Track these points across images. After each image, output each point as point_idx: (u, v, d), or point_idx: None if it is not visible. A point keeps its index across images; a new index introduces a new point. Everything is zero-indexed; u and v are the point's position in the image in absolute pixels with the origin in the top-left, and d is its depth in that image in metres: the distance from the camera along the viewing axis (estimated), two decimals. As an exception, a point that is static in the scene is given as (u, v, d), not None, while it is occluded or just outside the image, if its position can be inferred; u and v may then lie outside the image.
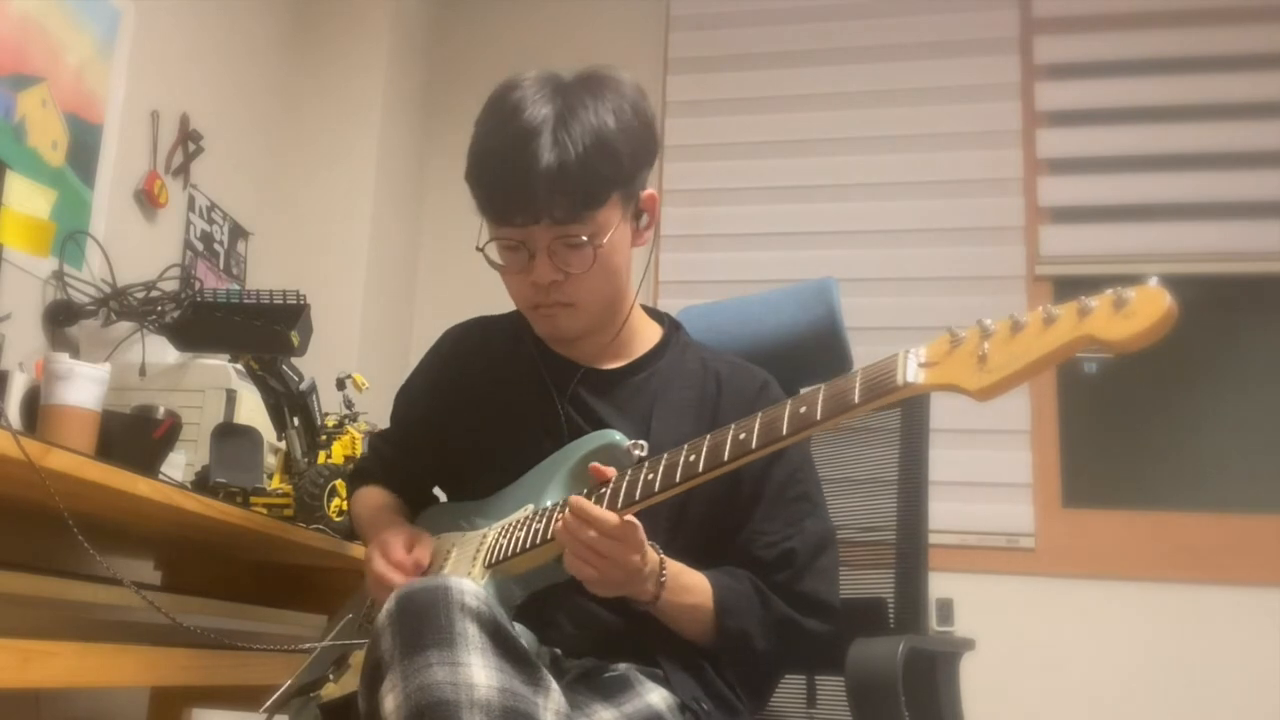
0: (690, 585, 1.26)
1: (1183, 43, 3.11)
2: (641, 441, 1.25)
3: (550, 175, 1.24)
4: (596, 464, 1.22)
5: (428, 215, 3.46)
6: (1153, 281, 0.87)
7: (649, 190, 1.37)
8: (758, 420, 1.09)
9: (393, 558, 1.31)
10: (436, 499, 1.54)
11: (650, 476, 1.15)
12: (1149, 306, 0.86)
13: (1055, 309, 0.91)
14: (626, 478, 1.18)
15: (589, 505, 1.15)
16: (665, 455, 1.16)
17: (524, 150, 1.24)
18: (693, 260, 3.26)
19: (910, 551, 1.50)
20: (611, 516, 1.14)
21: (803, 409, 1.05)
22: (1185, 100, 3.08)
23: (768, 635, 1.28)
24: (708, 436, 1.13)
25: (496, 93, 1.32)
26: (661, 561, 1.23)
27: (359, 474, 1.61)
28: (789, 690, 1.53)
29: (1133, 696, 2.74)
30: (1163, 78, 3.11)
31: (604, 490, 1.19)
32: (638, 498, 1.15)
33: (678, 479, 1.13)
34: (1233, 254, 2.97)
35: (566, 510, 1.18)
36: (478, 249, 1.34)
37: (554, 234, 1.28)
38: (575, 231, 1.27)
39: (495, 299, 1.44)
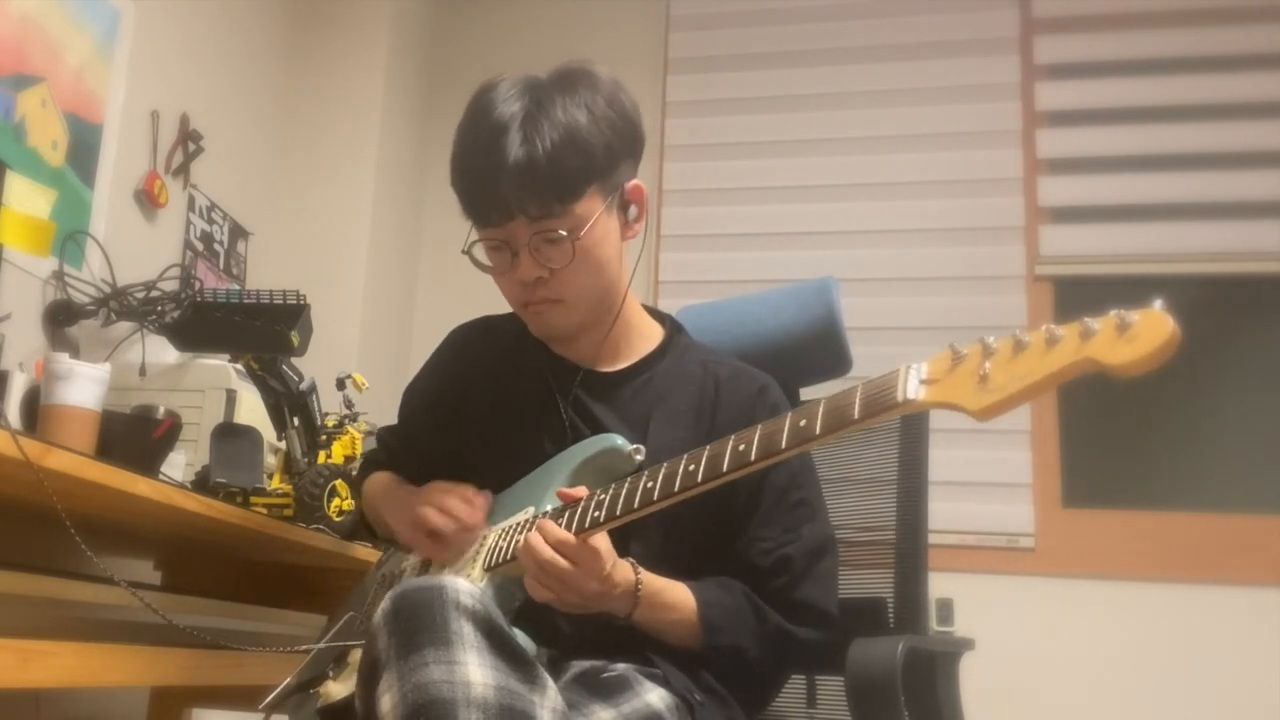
0: (672, 601, 1.26)
1: (1183, 43, 3.11)
2: (640, 446, 1.25)
3: (520, 171, 1.24)
4: (563, 489, 1.24)
5: (428, 215, 3.46)
6: (1157, 305, 0.87)
7: (634, 181, 1.36)
8: (757, 433, 1.09)
9: (452, 512, 1.30)
10: None
11: (650, 484, 1.15)
12: (1152, 331, 0.85)
13: (1059, 330, 0.90)
14: (609, 493, 1.18)
15: (550, 526, 1.17)
16: (664, 465, 1.16)
17: (494, 148, 1.25)
18: (693, 260, 3.26)
19: (910, 551, 1.50)
20: (570, 539, 1.16)
21: (802, 423, 1.05)
22: (1185, 100, 3.08)
23: (762, 647, 1.28)
24: (707, 448, 1.13)
25: (473, 95, 1.33)
26: (637, 580, 1.23)
27: (369, 463, 1.61)
28: (789, 690, 1.52)
29: (1132, 696, 2.74)
30: (1163, 78, 3.11)
31: (573, 509, 1.20)
32: (618, 513, 1.16)
33: (676, 488, 1.13)
34: (1233, 254, 2.97)
35: (527, 531, 1.20)
36: (463, 252, 1.34)
37: (533, 230, 1.28)
38: (552, 226, 1.27)
39: (496, 298, 1.44)
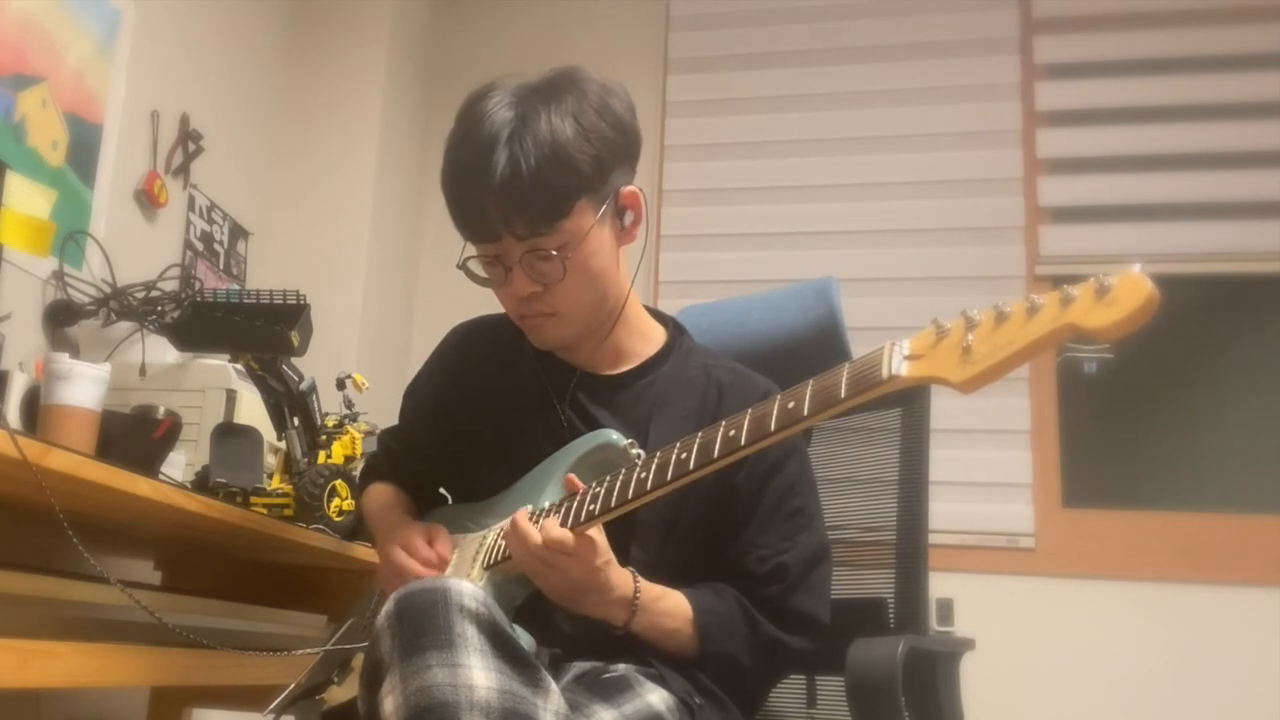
0: (668, 610, 1.26)
1: (1183, 43, 3.11)
2: (634, 441, 1.25)
3: (505, 191, 1.23)
4: (571, 475, 1.24)
5: (428, 215, 3.46)
6: (1135, 268, 0.87)
7: (629, 188, 1.33)
8: (747, 417, 1.09)
9: (418, 554, 1.32)
10: (444, 498, 1.55)
11: (643, 475, 1.15)
12: (1131, 293, 0.85)
13: (1039, 298, 0.91)
14: (604, 486, 1.19)
15: (548, 524, 1.18)
16: (657, 455, 1.16)
17: (480, 167, 1.24)
18: (693, 260, 3.26)
19: (910, 551, 1.50)
20: (559, 533, 1.16)
21: (790, 404, 1.05)
22: (1185, 100, 3.08)
23: (754, 656, 1.28)
24: (699, 434, 1.13)
25: (463, 105, 1.31)
26: (635, 589, 1.23)
27: (369, 471, 1.61)
28: (789, 690, 1.53)
29: (1132, 696, 2.74)
30: (1163, 78, 3.11)
31: (569, 503, 1.20)
32: (613, 504, 1.16)
33: (669, 477, 1.13)
34: (1232, 254, 2.97)
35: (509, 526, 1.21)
36: (458, 267, 1.33)
37: (524, 248, 1.27)
38: (542, 245, 1.26)
39: (495, 299, 1.44)
